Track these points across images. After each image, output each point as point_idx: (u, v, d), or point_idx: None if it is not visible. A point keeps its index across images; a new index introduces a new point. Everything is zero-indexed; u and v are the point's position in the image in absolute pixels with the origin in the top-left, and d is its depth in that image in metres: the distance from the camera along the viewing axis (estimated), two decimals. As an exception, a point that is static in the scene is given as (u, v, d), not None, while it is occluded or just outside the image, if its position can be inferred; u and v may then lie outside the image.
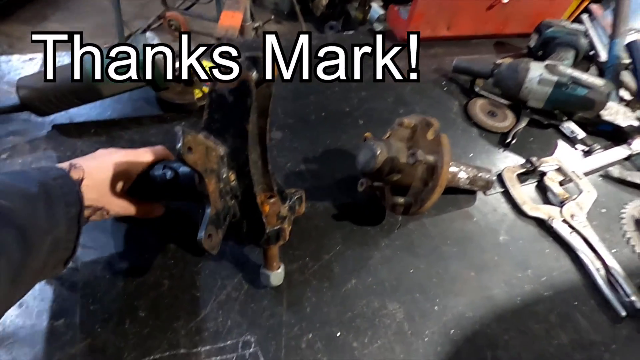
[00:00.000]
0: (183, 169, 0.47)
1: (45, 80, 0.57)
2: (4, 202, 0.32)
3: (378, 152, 0.53)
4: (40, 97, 0.57)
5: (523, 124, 0.80)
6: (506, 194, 0.69)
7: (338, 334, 0.49)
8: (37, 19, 2.49)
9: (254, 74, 0.42)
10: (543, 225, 0.65)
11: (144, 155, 0.49)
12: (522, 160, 0.74)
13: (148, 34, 0.62)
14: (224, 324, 0.48)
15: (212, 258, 0.53)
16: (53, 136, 0.62)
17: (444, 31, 0.97)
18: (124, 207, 0.47)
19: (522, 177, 0.72)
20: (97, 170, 0.44)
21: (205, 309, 0.48)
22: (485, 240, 0.62)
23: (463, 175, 0.62)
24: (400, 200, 0.54)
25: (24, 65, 0.72)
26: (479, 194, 0.68)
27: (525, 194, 0.68)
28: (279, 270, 0.50)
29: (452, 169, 0.61)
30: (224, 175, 0.44)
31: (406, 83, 0.86)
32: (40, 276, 0.37)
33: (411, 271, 0.56)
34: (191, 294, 0.49)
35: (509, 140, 0.77)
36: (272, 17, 1.83)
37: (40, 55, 0.75)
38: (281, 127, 0.71)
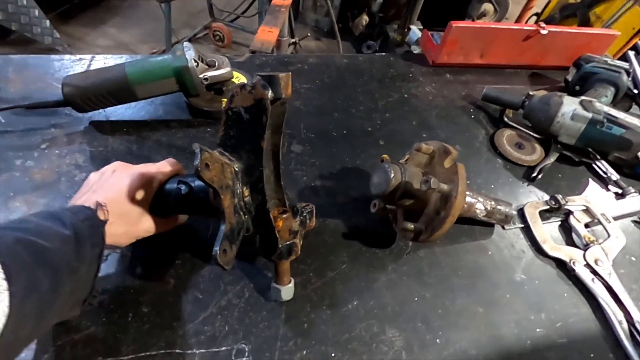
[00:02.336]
0: (197, 184, 0.48)
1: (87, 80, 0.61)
2: (43, 242, 0.34)
3: (392, 175, 0.53)
4: (82, 95, 0.62)
5: (552, 159, 0.77)
6: (526, 230, 0.66)
7: (332, 355, 0.48)
8: (96, 22, 2.69)
9: (269, 93, 0.44)
10: (563, 267, 0.62)
11: (158, 173, 0.50)
12: (547, 197, 0.71)
13: (185, 43, 0.66)
14: (221, 330, 0.48)
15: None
16: (89, 132, 0.67)
17: (477, 59, 0.96)
18: (145, 231, 0.49)
19: (545, 215, 0.69)
20: (117, 204, 0.45)
21: (205, 312, 0.49)
22: (499, 276, 0.60)
23: (480, 206, 0.60)
24: (411, 226, 0.53)
25: (73, 64, 0.78)
26: (497, 228, 0.66)
27: (547, 232, 0.65)
28: (290, 284, 0.51)
29: (469, 199, 0.59)
30: (238, 191, 0.45)
31: (432, 107, 0.85)
32: (60, 317, 0.39)
33: (416, 299, 0.55)
34: (194, 295, 0.51)
35: (534, 174, 0.74)
36: (308, 34, 1.88)
37: (88, 57, 0.81)
38: (302, 141, 0.72)
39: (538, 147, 0.80)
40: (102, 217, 0.42)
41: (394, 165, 0.54)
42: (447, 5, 2.53)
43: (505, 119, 0.85)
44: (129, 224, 0.46)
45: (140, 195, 0.47)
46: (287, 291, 0.50)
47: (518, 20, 2.23)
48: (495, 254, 0.62)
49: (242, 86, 0.44)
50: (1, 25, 2.13)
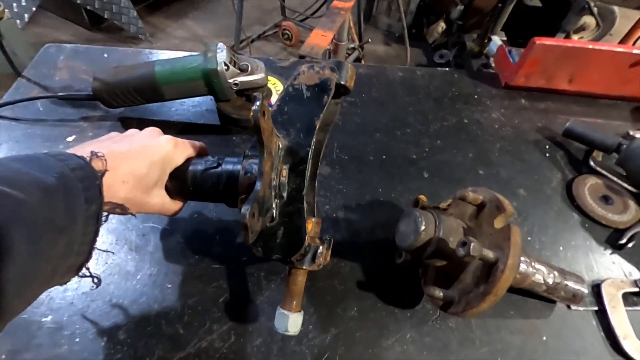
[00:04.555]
0: (227, 165, 0.43)
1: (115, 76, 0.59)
2: (16, 193, 0.27)
3: (422, 228, 0.42)
4: (109, 90, 0.60)
5: (651, 223, 0.59)
6: (601, 315, 0.51)
7: None
8: (178, 15, 2.85)
9: (336, 76, 0.44)
10: (650, 378, 0.46)
11: (190, 146, 0.45)
12: (637, 275, 0.55)
13: (219, 44, 0.61)
14: (195, 377, 0.42)
15: (210, 294, 0.48)
16: (115, 127, 0.65)
17: (564, 84, 0.79)
18: (153, 205, 0.41)
19: (632, 299, 0.53)
20: (135, 160, 0.37)
21: (182, 352, 0.44)
22: (553, 373, 0.46)
23: (539, 279, 0.47)
24: (439, 293, 0.42)
25: (125, 58, 0.78)
26: (560, 305, 0.51)
27: (631, 324, 0.49)
28: (301, 314, 0.41)
29: (525, 268, 0.46)
30: (277, 167, 0.40)
31: (497, 139, 0.71)
32: (49, 284, 0.32)
33: (435, 384, 0.44)
34: (175, 328, 0.45)
35: (624, 240, 0.58)
36: (369, 40, 1.78)
37: (146, 51, 0.80)
38: (332, 163, 0.64)
39: (632, 205, 0.62)
40: (97, 167, 0.34)
41: (427, 214, 0.43)
42: (538, 16, 2.25)
43: (592, 163, 0.68)
44: (141, 190, 0.38)
45: (167, 160, 0.41)
46: (295, 321, 0.40)
47: (625, 39, 1.90)
48: (552, 341, 0.48)
49: (311, 66, 0.44)
50: (96, 13, 2.34)
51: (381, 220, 0.58)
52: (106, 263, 0.50)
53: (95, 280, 0.38)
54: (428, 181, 0.64)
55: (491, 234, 0.42)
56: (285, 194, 0.40)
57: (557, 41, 0.73)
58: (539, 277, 0.47)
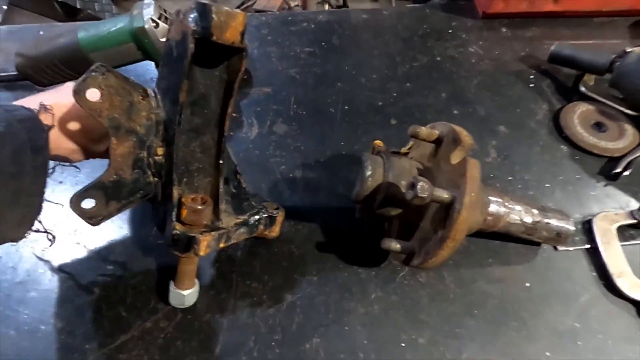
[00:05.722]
0: None
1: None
2: None
3: (368, 174, 0.37)
4: (34, 66, 0.55)
5: (651, 147, 0.52)
6: (593, 254, 0.45)
7: (269, 414, 0.36)
8: (153, -5, 2.74)
9: (194, 27, 0.31)
10: (648, 317, 0.41)
11: None
12: (635, 205, 0.48)
13: (146, 0, 0.55)
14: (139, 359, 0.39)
15: (156, 271, 0.44)
16: (53, 108, 0.60)
17: (549, 4, 0.70)
18: (102, 155, 0.40)
19: (628, 233, 0.47)
20: (80, 112, 0.36)
21: (125, 335, 0.40)
22: (538, 322, 0.41)
23: (516, 219, 0.41)
24: (396, 245, 0.37)
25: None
26: (545, 247, 0.46)
27: (626, 260, 0.44)
28: (187, 292, 0.40)
29: (497, 208, 0.40)
30: (152, 145, 0.37)
31: (474, 74, 0.64)
32: (1, 236, 0.33)
33: (403, 345, 0.40)
34: (117, 311, 0.42)
35: (619, 169, 0.51)
36: None
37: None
38: (288, 120, 0.58)
39: (630, 130, 0.55)
40: (46, 121, 0.34)
41: (374, 158, 0.38)
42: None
43: (582, 89, 0.60)
44: (88, 141, 0.38)
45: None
46: (177, 297, 0.40)
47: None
48: (537, 287, 0.43)
49: (178, 13, 0.34)
50: (69, 4, 2.26)
51: (343, 175, 0.52)
52: (43, 250, 0.46)
53: (50, 237, 0.40)
54: (396, 128, 0.57)
55: (449, 171, 0.36)
56: (164, 174, 0.37)
57: (536, -48, 0.64)
58: (514, 217, 0.41)
